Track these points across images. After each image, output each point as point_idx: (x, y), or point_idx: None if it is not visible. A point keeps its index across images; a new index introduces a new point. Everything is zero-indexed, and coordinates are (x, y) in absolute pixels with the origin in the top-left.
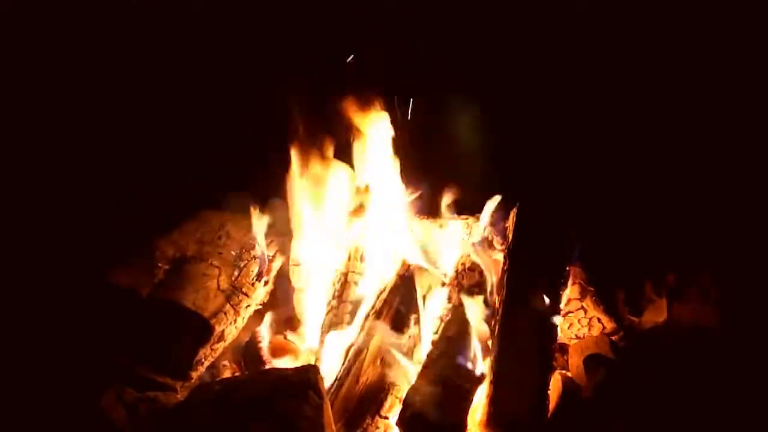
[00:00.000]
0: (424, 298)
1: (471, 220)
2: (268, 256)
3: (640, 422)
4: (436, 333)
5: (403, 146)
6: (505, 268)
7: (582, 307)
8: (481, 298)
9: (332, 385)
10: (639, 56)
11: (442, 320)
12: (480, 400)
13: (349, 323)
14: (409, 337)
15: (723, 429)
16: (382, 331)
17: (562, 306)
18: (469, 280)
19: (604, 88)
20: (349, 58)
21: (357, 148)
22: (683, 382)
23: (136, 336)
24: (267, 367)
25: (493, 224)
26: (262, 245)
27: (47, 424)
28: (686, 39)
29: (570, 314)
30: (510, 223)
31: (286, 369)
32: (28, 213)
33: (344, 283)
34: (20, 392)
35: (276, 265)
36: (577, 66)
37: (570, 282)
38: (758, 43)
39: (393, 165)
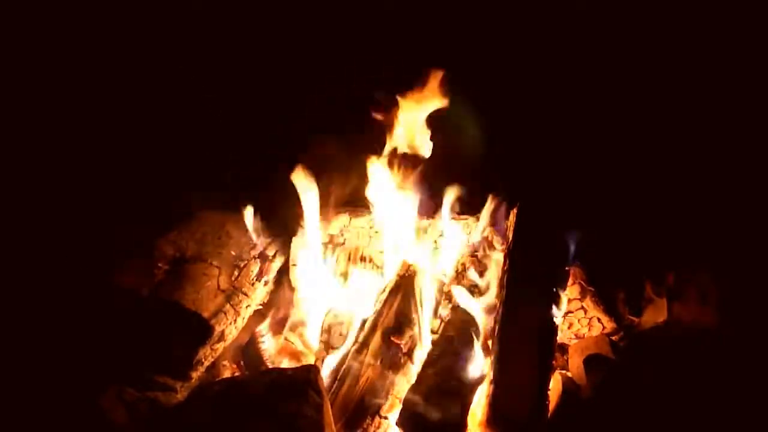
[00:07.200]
0: (423, 298)
1: (471, 220)
2: (268, 256)
3: (640, 422)
4: (436, 333)
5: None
6: (505, 268)
7: (582, 307)
8: (480, 298)
9: (332, 384)
10: (638, 56)
11: (442, 320)
12: (480, 400)
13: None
14: (409, 337)
15: (723, 429)
16: None
17: (562, 306)
18: (468, 281)
19: (603, 88)
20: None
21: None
22: (683, 381)
23: (136, 336)
24: (267, 367)
25: (493, 224)
26: (261, 245)
27: (47, 423)
28: (684, 38)
29: (570, 314)
30: (510, 223)
31: (286, 369)
32: (29, 214)
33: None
34: (21, 392)
35: (276, 265)
36: (576, 66)
37: (570, 282)
38: (758, 43)
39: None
